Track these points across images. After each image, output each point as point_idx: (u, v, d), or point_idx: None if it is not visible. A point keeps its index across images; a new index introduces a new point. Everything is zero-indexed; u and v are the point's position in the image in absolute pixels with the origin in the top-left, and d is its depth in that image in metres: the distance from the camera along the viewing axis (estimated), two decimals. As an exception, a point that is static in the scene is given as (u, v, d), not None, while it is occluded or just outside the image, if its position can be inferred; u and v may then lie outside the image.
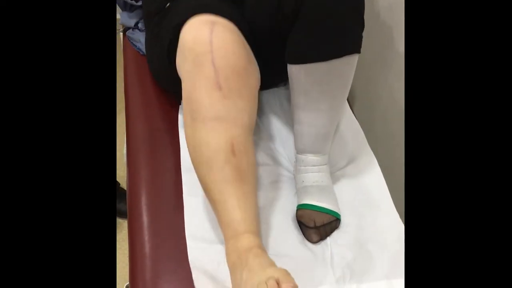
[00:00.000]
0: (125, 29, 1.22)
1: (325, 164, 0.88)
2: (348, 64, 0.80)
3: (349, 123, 1.02)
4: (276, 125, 1.00)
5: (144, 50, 1.13)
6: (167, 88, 1.02)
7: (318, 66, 0.78)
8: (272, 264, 0.65)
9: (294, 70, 0.81)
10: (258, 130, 0.97)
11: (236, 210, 0.70)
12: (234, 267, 0.68)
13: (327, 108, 0.83)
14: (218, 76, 0.71)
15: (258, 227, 0.72)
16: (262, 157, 0.93)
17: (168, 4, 0.92)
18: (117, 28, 1.22)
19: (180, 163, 0.90)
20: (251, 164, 0.74)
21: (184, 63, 0.75)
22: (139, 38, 1.16)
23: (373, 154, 0.96)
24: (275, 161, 0.94)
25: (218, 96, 0.71)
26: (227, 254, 0.71)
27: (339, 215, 0.85)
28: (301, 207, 0.84)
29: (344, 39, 0.76)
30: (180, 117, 0.99)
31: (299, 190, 0.87)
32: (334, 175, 0.92)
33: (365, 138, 1.00)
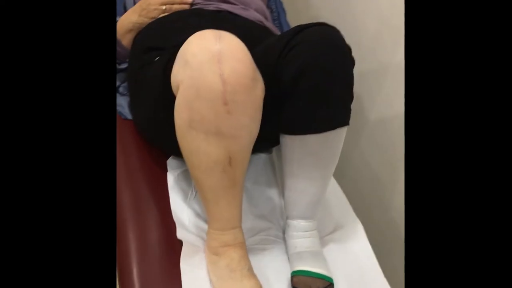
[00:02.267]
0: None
1: (315, 229, 0.90)
2: (339, 135, 0.83)
3: (333, 189, 1.05)
4: (264, 191, 1.01)
5: (125, 114, 1.13)
6: (155, 141, 1.02)
7: (312, 137, 0.81)
8: (249, 275, 0.79)
9: (288, 140, 0.83)
10: (245, 196, 0.98)
11: (227, 209, 0.79)
12: (216, 252, 0.81)
13: (319, 177, 0.86)
14: (225, 90, 0.66)
15: (241, 221, 0.83)
16: (252, 222, 0.93)
17: (158, 58, 0.93)
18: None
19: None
20: (244, 171, 0.78)
21: (185, 69, 0.69)
22: (120, 102, 1.15)
23: (359, 221, 0.99)
24: (265, 226, 0.95)
25: (222, 111, 0.68)
26: (211, 239, 0.82)
27: (332, 280, 0.86)
28: (296, 274, 0.84)
29: (337, 112, 0.80)
30: (170, 177, 0.98)
31: (292, 255, 0.87)
32: (323, 240, 0.93)
33: (349, 204, 1.03)
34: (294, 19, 1.36)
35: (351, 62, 0.80)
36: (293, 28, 0.82)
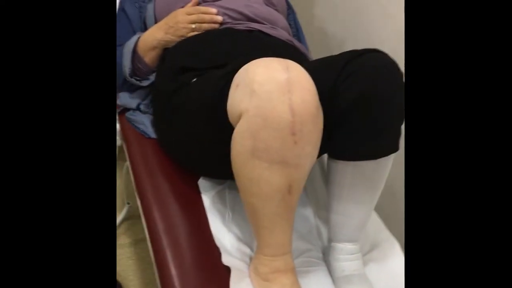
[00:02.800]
0: (123, 110, 1.18)
1: (360, 251, 0.90)
2: (390, 159, 0.84)
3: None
4: (300, 211, 1.00)
5: (149, 133, 1.11)
6: (189, 163, 1.00)
7: (366, 163, 0.81)
8: None
9: (340, 165, 0.83)
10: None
11: (280, 236, 0.79)
12: (266, 278, 0.80)
13: (368, 201, 0.86)
14: (294, 121, 0.66)
15: (291, 246, 0.82)
16: (293, 244, 0.92)
17: (194, 80, 0.91)
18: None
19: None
20: (299, 197, 0.77)
21: (251, 98, 0.67)
22: (143, 120, 1.13)
23: (394, 238, 1.00)
24: (305, 248, 0.94)
25: (290, 142, 0.67)
26: (260, 264, 0.81)
27: None
28: None
29: (392, 137, 0.81)
30: (206, 200, 0.97)
31: (339, 279, 0.87)
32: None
33: (382, 222, 1.03)
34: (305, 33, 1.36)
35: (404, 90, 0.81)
36: (342, 54, 0.81)
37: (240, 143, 0.71)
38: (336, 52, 1.42)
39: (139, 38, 1.11)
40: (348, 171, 0.83)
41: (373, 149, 0.80)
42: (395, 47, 1.23)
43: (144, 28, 1.17)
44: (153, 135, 1.10)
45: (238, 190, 0.78)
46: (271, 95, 0.66)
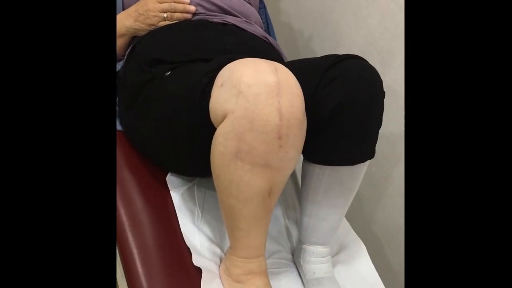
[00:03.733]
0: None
1: (330, 254, 0.90)
2: (365, 165, 0.85)
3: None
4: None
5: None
6: (159, 158, 0.97)
7: (343, 168, 0.82)
8: None
9: (317, 169, 0.83)
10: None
11: (256, 238, 0.78)
12: (239, 280, 0.80)
13: (342, 204, 0.87)
14: (281, 125, 0.65)
15: (265, 248, 0.82)
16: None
17: (168, 73, 0.87)
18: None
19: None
20: (277, 201, 0.77)
21: (238, 99, 0.65)
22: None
23: (360, 240, 1.01)
24: (276, 249, 0.94)
25: (275, 145, 0.66)
26: (233, 266, 0.80)
27: None
28: None
29: (370, 144, 0.82)
30: (175, 197, 0.94)
31: (309, 281, 0.87)
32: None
33: (348, 223, 1.05)
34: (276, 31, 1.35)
35: (383, 98, 0.82)
36: (323, 58, 0.81)
37: (223, 144, 0.68)
38: (302, 49, 1.42)
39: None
40: (325, 175, 0.83)
41: (351, 155, 0.80)
42: (363, 48, 1.25)
43: (123, 9, 1.11)
44: (118, 126, 1.05)
45: (215, 190, 0.76)
46: (259, 97, 0.64)
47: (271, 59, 0.70)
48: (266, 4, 1.32)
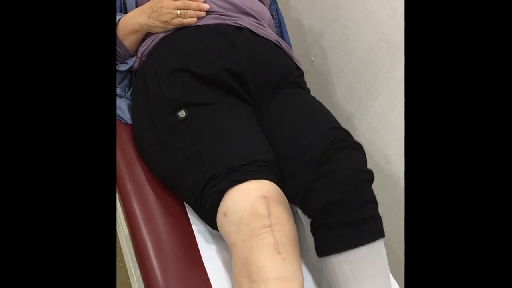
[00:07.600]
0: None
1: None
2: (380, 242, 0.83)
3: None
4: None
5: (125, 118, 1.07)
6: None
7: (359, 252, 0.80)
8: None
9: (333, 260, 0.81)
10: None
11: None
12: None
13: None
14: (277, 244, 0.75)
15: None
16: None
17: (184, 115, 0.90)
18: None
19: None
20: None
21: (237, 234, 0.77)
22: (119, 105, 1.09)
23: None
24: None
25: (278, 259, 0.74)
26: None
27: None
28: None
29: (376, 224, 0.83)
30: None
31: None
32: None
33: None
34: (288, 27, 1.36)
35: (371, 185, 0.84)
36: (318, 139, 0.84)
37: (239, 274, 0.76)
38: (311, 44, 1.41)
39: (119, 20, 1.06)
40: (343, 261, 0.80)
41: (357, 236, 0.80)
42: (373, 43, 1.25)
43: (124, 8, 1.12)
44: (130, 121, 1.07)
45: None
46: (254, 231, 0.75)
47: (282, 79, 0.83)
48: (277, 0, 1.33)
